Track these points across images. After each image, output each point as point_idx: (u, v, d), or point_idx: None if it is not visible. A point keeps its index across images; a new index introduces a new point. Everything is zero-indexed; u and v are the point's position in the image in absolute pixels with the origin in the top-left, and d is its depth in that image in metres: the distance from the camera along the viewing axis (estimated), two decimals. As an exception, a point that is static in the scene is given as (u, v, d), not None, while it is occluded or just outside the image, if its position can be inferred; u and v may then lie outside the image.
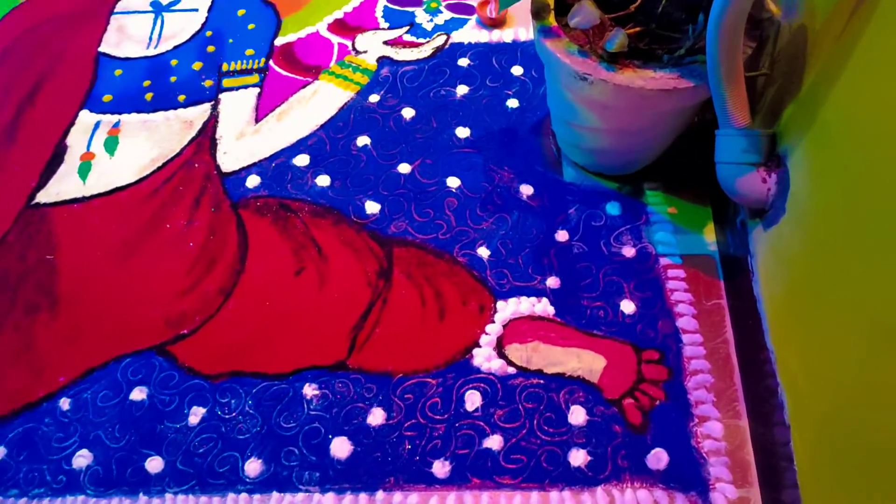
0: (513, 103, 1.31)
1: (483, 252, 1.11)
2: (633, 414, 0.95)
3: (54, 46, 1.45)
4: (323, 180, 1.22)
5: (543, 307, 1.05)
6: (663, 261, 1.08)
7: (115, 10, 1.52)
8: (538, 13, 1.01)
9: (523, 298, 1.06)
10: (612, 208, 1.15)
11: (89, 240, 1.16)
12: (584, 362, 1.00)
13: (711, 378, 0.97)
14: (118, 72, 1.40)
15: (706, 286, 1.05)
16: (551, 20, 1.00)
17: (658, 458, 0.92)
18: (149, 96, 1.36)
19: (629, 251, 1.10)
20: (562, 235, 1.13)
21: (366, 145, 1.27)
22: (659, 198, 1.16)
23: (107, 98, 1.36)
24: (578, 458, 0.92)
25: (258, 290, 1.09)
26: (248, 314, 1.06)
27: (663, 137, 1.10)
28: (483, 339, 1.02)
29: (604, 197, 1.17)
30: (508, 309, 1.05)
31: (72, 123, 1.32)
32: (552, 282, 1.08)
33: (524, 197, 1.18)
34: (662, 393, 0.96)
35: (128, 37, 1.47)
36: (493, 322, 1.04)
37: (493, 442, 0.94)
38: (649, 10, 0.94)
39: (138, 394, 1.00)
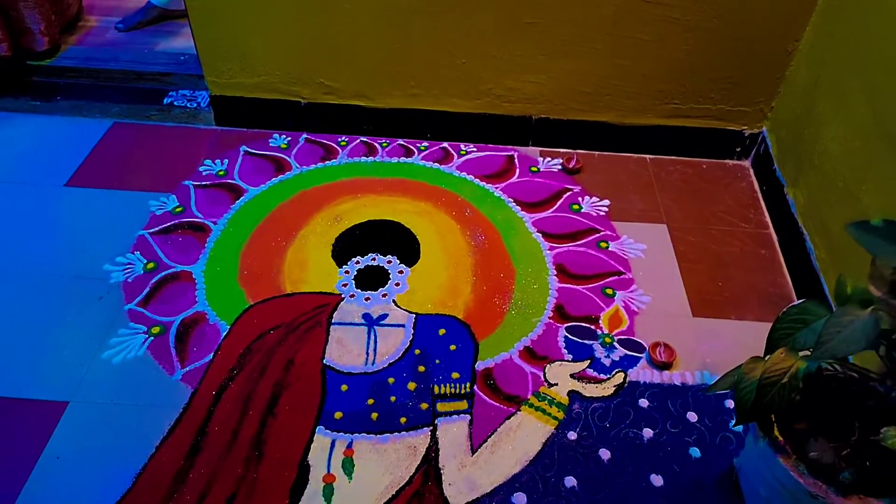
0: (695, 452, 1.50)
1: None
2: None
3: (283, 354, 1.67)
4: (543, 524, 1.37)
5: None
6: None
7: (334, 321, 1.76)
8: (763, 426, 1.23)
9: None
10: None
11: (343, 574, 1.29)
12: None
13: None
14: (344, 387, 1.61)
15: None
16: (777, 434, 1.22)
17: None
18: (374, 416, 1.55)
19: None
20: None
21: (573, 487, 1.44)
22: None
23: (338, 415, 1.55)
24: None
25: None
26: None
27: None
28: None
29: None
30: None
31: (310, 440, 1.50)
32: None
33: (726, 559, 1.33)
34: None
35: (347, 350, 1.69)
36: None
37: None
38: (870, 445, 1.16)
39: None
